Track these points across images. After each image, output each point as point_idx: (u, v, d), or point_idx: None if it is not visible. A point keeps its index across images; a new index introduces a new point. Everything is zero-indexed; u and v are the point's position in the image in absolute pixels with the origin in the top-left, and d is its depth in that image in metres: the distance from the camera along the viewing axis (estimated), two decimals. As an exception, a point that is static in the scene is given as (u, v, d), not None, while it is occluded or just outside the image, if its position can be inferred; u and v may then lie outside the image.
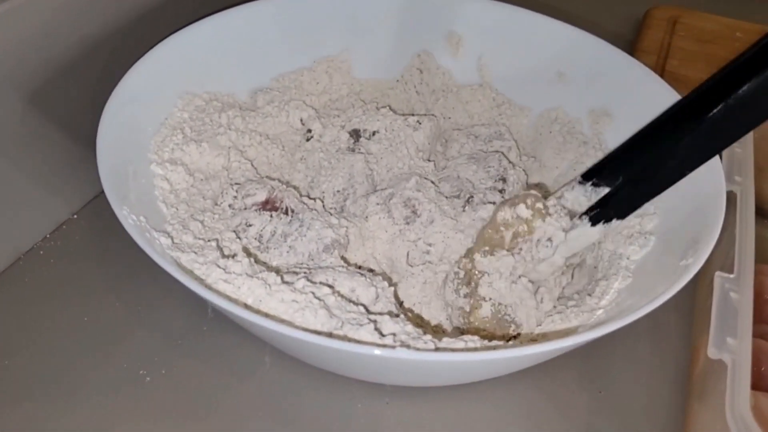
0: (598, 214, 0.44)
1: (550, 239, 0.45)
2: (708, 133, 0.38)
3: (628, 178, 0.43)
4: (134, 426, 0.42)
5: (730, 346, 0.37)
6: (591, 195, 0.46)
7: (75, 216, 0.54)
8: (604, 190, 0.45)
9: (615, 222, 0.44)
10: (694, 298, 0.51)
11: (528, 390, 0.46)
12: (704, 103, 0.39)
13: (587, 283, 0.47)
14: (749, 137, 0.50)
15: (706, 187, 0.45)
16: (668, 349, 0.49)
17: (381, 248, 0.48)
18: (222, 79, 0.55)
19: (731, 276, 0.41)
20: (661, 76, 0.72)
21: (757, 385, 0.44)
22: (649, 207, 0.48)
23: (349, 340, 0.36)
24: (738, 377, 0.35)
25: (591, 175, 0.46)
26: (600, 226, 0.45)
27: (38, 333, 0.46)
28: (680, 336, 0.50)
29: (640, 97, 0.53)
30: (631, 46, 0.78)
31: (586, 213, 0.45)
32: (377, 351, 0.33)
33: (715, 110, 0.37)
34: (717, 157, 0.47)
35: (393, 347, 0.34)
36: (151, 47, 0.50)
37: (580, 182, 0.47)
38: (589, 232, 0.45)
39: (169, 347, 0.46)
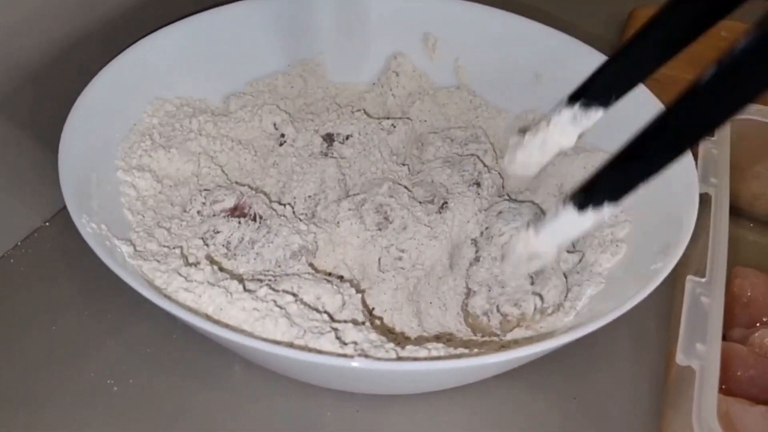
0: (585, 197, 0.38)
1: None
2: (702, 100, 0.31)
3: (617, 158, 0.36)
4: (102, 436, 0.42)
5: (699, 352, 0.36)
6: (581, 119, 0.40)
7: (46, 224, 0.53)
8: (597, 113, 0.40)
9: (608, 208, 0.37)
10: (671, 303, 0.51)
11: (502, 397, 0.45)
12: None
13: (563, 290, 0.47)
14: (726, 138, 0.50)
15: (678, 189, 0.45)
16: (646, 355, 0.48)
17: (352, 254, 0.47)
18: (194, 84, 0.54)
19: (703, 280, 0.40)
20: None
21: (733, 391, 0.44)
22: (621, 214, 0.48)
23: (310, 349, 0.36)
24: (705, 384, 0.35)
25: (578, 95, 0.40)
26: (590, 213, 0.38)
27: (5, 342, 0.45)
28: (658, 342, 0.49)
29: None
30: (614, 47, 0.77)
31: (570, 197, 0.39)
32: (331, 360, 0.32)
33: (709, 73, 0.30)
34: (691, 158, 0.46)
35: (350, 357, 0.33)
36: (120, 52, 0.49)
37: (567, 104, 0.40)
38: (577, 220, 0.38)
39: (138, 356, 0.46)
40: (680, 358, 0.36)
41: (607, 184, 0.37)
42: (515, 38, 0.57)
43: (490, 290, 0.45)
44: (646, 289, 0.38)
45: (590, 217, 0.37)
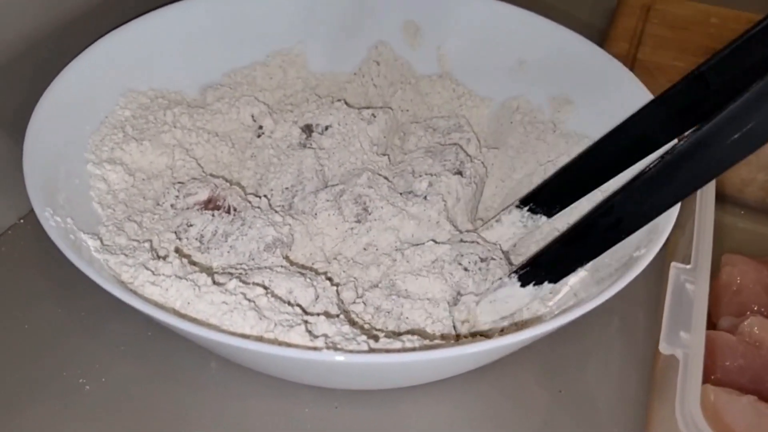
0: (528, 273, 0.41)
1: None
2: (645, 190, 0.36)
3: (561, 241, 0.41)
4: (71, 436, 0.41)
5: (682, 341, 0.35)
6: (527, 221, 0.47)
7: (21, 221, 0.52)
8: (541, 219, 0.46)
9: (547, 286, 0.41)
10: (660, 294, 0.49)
11: (486, 390, 0.44)
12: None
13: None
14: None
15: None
16: (634, 347, 0.47)
17: (330, 246, 0.46)
18: (169, 76, 0.53)
19: (688, 267, 0.39)
20: (633, 63, 0.71)
21: (722, 381, 0.42)
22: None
23: (278, 342, 0.34)
24: (689, 373, 0.33)
25: (528, 200, 0.47)
26: (530, 288, 0.41)
27: (-23, 340, 0.44)
28: (646, 334, 0.48)
29: (602, 83, 0.51)
30: (603, 34, 0.76)
31: (515, 272, 0.42)
32: (297, 353, 0.31)
33: (653, 166, 0.35)
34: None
35: (318, 349, 0.32)
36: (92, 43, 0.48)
37: (517, 206, 0.47)
38: (518, 293, 0.42)
39: (111, 354, 0.45)
40: (663, 347, 0.35)
41: (550, 263, 0.41)
42: (498, 24, 0.56)
43: None
44: (627, 276, 0.36)
45: (530, 293, 0.41)
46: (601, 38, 0.74)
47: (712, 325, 0.47)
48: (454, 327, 0.42)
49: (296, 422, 0.42)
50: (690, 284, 0.38)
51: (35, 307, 0.46)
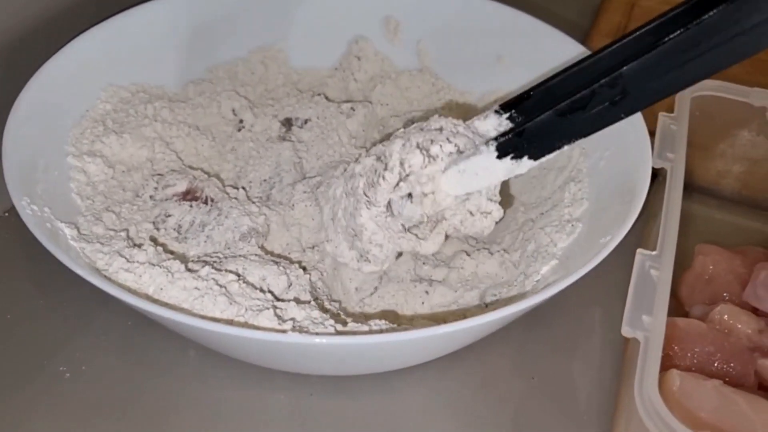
0: (509, 142, 0.37)
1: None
2: (663, 62, 0.32)
3: (555, 110, 0.36)
4: (51, 423, 0.41)
5: (644, 324, 0.36)
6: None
7: (6, 214, 0.53)
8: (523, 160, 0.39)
9: (526, 162, 0.37)
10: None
11: (461, 376, 0.45)
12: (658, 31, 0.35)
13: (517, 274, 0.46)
14: (685, 114, 0.49)
15: (633, 163, 0.44)
16: (607, 335, 0.48)
17: (306, 236, 0.47)
18: (151, 70, 0.54)
19: (653, 253, 0.39)
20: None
21: (691, 366, 0.43)
22: (578, 192, 0.47)
23: (244, 325, 0.35)
24: (648, 356, 0.34)
25: (511, 106, 0.40)
26: (507, 161, 0.37)
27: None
28: (620, 322, 0.48)
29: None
30: (586, 34, 0.77)
31: (494, 138, 0.38)
32: (260, 335, 0.31)
33: (675, 36, 0.31)
34: (646, 133, 0.46)
35: (284, 332, 0.33)
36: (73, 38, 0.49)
37: (496, 111, 0.41)
38: (492, 165, 0.38)
39: (92, 343, 0.45)
40: (625, 330, 0.36)
41: (536, 133, 0.37)
42: (477, 20, 0.56)
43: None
44: (592, 262, 0.37)
45: (506, 167, 0.38)
46: (585, 35, 0.74)
47: (684, 313, 0.48)
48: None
49: (272, 409, 0.43)
50: (654, 270, 0.39)
51: (17, 298, 0.47)
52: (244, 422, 0.42)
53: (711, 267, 0.49)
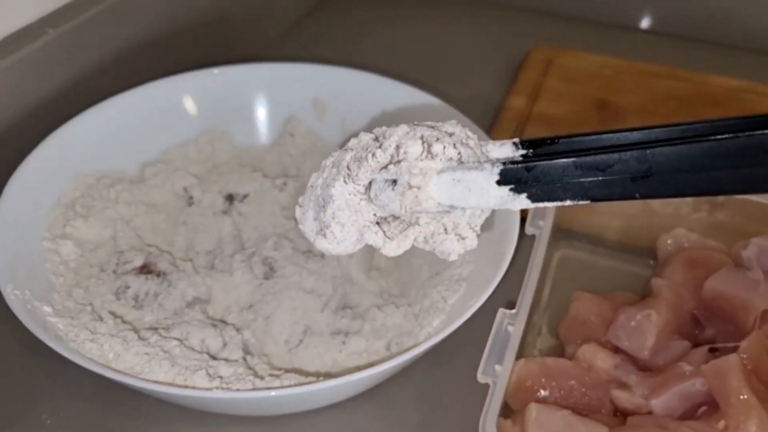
0: (514, 171, 0.35)
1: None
2: (690, 157, 0.31)
3: (574, 160, 0.34)
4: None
5: (495, 372, 0.46)
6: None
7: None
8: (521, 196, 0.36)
9: (522, 200, 0.35)
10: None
11: (368, 412, 0.53)
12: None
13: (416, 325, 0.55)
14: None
15: (505, 230, 0.54)
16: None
17: (244, 299, 0.57)
18: (113, 158, 0.63)
19: (512, 311, 0.49)
20: (529, 116, 0.81)
21: (558, 400, 0.52)
22: (467, 254, 0.57)
23: (181, 385, 0.45)
24: (493, 398, 0.44)
25: (531, 144, 0.38)
26: (505, 191, 0.35)
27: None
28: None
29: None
30: (510, 87, 0.85)
31: (503, 163, 0.35)
32: (189, 392, 0.42)
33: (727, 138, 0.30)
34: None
35: (209, 389, 0.43)
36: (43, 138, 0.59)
37: (515, 143, 0.39)
38: (488, 188, 0.35)
39: (69, 394, 0.53)
40: (480, 377, 0.45)
41: (546, 175, 0.34)
42: (388, 98, 0.67)
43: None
44: (453, 325, 0.47)
45: (500, 197, 0.35)
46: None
47: (561, 351, 0.58)
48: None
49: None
50: (510, 326, 0.48)
51: (4, 353, 0.56)
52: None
53: (583, 311, 0.58)
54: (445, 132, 0.39)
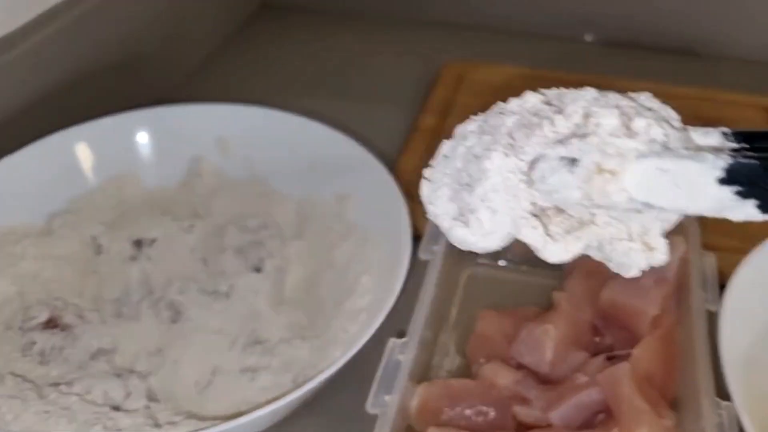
0: (746, 169, 0.28)
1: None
2: None
3: None
4: None
5: (385, 402, 0.47)
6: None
7: None
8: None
9: (749, 209, 0.28)
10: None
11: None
12: None
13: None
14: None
15: (397, 259, 0.56)
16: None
17: (151, 344, 0.58)
18: (19, 211, 0.64)
19: (402, 340, 0.51)
20: (440, 134, 0.83)
21: (460, 418, 0.54)
22: (368, 284, 0.58)
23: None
24: (383, 427, 0.45)
25: (747, 137, 0.30)
26: (727, 193, 0.28)
27: None
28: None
29: (369, 180, 0.63)
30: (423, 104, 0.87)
31: (732, 150, 0.29)
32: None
33: None
34: (409, 233, 0.57)
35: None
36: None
37: (724, 133, 0.31)
38: (707, 185, 0.28)
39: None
40: (369, 407, 0.47)
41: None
42: (291, 134, 0.68)
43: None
44: (346, 355, 0.49)
45: (719, 198, 0.28)
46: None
47: (469, 371, 0.59)
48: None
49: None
50: (401, 355, 0.50)
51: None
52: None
53: (487, 329, 0.60)
54: (645, 107, 0.31)
